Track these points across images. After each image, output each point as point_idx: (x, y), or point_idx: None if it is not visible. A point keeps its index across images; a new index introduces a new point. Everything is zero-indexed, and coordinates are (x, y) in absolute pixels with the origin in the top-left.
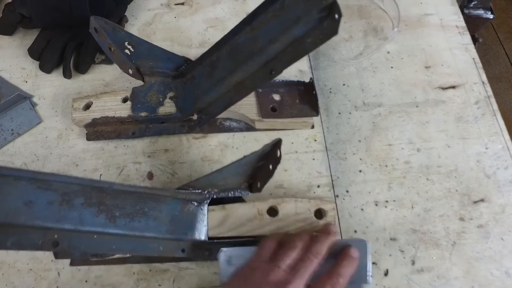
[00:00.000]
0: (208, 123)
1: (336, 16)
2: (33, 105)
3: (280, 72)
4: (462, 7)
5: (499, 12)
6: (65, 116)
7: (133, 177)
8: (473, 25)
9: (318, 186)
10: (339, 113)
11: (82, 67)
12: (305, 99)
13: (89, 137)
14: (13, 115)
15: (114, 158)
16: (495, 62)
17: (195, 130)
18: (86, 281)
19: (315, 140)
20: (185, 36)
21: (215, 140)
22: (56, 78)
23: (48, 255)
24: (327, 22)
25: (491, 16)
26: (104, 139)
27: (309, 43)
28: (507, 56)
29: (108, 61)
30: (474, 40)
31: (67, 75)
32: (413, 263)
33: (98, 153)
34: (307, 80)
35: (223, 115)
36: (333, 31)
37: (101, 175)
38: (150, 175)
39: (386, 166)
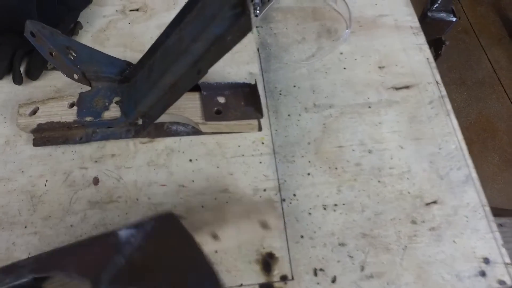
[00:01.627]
0: (155, 127)
1: (247, 12)
2: None
3: (206, 72)
4: (425, 11)
5: (480, 18)
6: (13, 123)
7: (78, 183)
8: (438, 28)
9: (264, 190)
10: (289, 115)
11: (33, 73)
12: (250, 101)
13: (36, 143)
14: None
15: (60, 164)
16: (478, 67)
17: (141, 134)
18: None
19: (263, 143)
20: (139, 42)
21: (161, 144)
22: (6, 85)
23: None
24: (243, 18)
25: (454, 19)
26: (51, 144)
27: (229, 41)
28: (489, 61)
29: None
30: (441, 43)
31: (17, 81)
32: (362, 269)
33: (45, 159)
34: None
35: (169, 118)
36: (248, 27)
37: (47, 181)
38: (96, 181)
39: (336, 168)
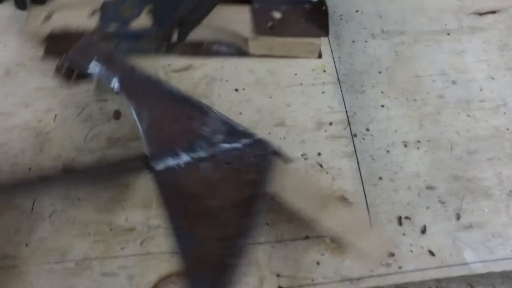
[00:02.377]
0: (191, 45)
1: None
2: None
3: None
4: None
5: None
6: (16, 51)
7: (96, 117)
8: None
9: (331, 124)
10: (353, 42)
11: None
12: (313, 18)
13: (47, 50)
14: None
15: (73, 96)
16: None
17: (175, 50)
18: (26, 244)
19: (325, 71)
20: None
21: (199, 72)
22: (7, 9)
23: None
24: None
25: None
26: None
27: None
28: None
29: None
30: None
31: (19, 5)
32: (458, 217)
33: (54, 91)
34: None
35: (211, 35)
36: None
37: (56, 115)
38: (117, 114)
39: (415, 100)
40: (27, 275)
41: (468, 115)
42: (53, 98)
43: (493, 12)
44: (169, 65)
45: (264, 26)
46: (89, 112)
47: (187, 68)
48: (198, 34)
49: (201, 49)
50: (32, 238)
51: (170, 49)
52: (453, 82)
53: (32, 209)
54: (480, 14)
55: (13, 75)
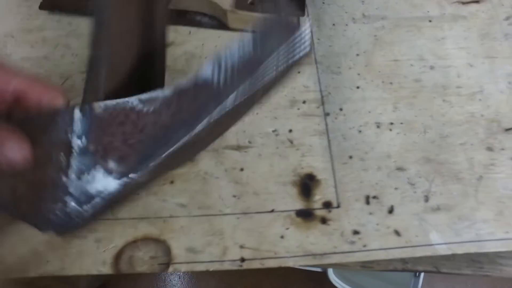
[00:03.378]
0: (177, 13)
1: None
2: None
3: None
4: None
5: None
6: (5, 22)
7: (78, 88)
8: None
9: (304, 102)
10: (333, 25)
11: None
12: None
13: (43, 5)
14: None
15: (58, 67)
16: None
17: None
18: None
19: None
20: None
21: (180, 49)
22: None
23: None
24: None
25: None
26: (59, 11)
27: None
28: None
29: None
30: None
31: None
32: (426, 199)
33: (41, 61)
34: None
35: (195, 6)
36: None
37: None
38: None
39: (391, 83)
40: None
41: (443, 100)
42: (39, 68)
43: (477, 1)
44: None
45: (244, 1)
46: (72, 82)
47: (168, 45)
48: (181, 3)
49: (185, 18)
50: None
51: None
52: (431, 68)
53: None
54: (463, 3)
55: (1, 45)
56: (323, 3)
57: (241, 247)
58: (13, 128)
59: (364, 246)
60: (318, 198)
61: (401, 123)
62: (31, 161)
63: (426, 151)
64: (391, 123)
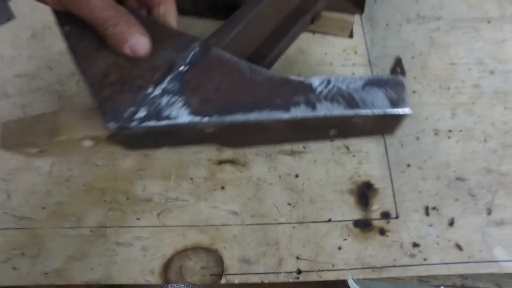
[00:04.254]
0: (227, 7)
1: None
2: None
3: None
4: None
5: None
6: (44, 14)
7: None
8: None
9: None
10: (387, 25)
11: None
12: None
13: None
14: None
15: None
16: None
17: (206, 13)
18: (43, 207)
19: (356, 52)
20: None
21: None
22: None
23: None
24: None
25: None
26: None
27: None
28: None
29: None
30: None
31: None
32: (489, 212)
33: None
34: None
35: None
36: None
37: (78, 80)
38: None
39: (448, 88)
40: (42, 238)
41: (505, 107)
42: None
43: None
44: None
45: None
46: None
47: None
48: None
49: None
50: (49, 202)
51: (203, 8)
52: (491, 72)
53: (50, 173)
54: None
55: (39, 37)
56: (375, 1)
57: (297, 258)
58: (141, 25)
59: (425, 259)
60: (376, 208)
61: (460, 131)
62: (147, 56)
63: (487, 161)
64: (450, 131)
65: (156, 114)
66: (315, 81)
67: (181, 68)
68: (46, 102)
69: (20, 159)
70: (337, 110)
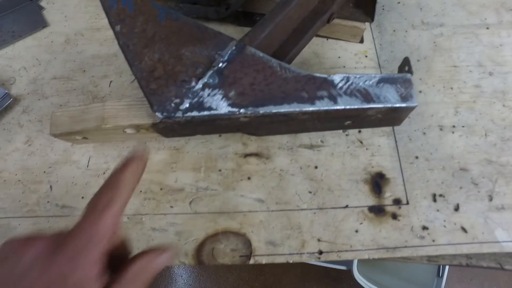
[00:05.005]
0: (244, 15)
1: None
2: (40, 8)
3: None
4: None
5: None
6: (75, 21)
7: None
8: None
9: None
10: (394, 31)
11: None
12: (361, 4)
13: None
14: (15, 17)
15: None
16: None
17: (228, 18)
18: (82, 197)
19: (366, 56)
20: None
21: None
22: None
23: (41, 165)
24: None
25: None
26: None
27: None
28: None
29: None
30: None
31: None
32: (490, 198)
33: (110, 59)
34: None
35: (262, 8)
36: None
37: (111, 82)
38: None
39: (452, 88)
40: None
41: (503, 105)
42: (108, 65)
43: None
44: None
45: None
46: None
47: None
48: (250, 4)
49: (252, 20)
50: (88, 192)
51: (221, 15)
52: (490, 74)
53: (87, 166)
54: None
55: (72, 43)
56: (383, 9)
57: (319, 240)
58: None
59: (433, 241)
60: (388, 195)
61: (463, 126)
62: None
63: (487, 153)
64: (453, 126)
65: (198, 105)
66: (336, 78)
67: (220, 64)
68: (81, 101)
69: (60, 153)
70: (355, 104)
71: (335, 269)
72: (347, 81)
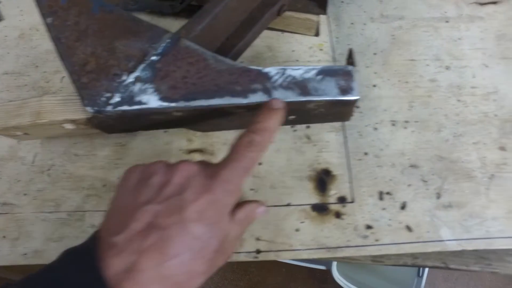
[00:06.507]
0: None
1: None
2: None
3: None
4: None
5: None
6: (31, 16)
7: None
8: None
9: None
10: (352, 24)
11: None
12: None
13: None
14: None
15: None
16: None
17: (183, 13)
18: (25, 194)
19: (321, 50)
20: None
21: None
22: None
23: None
24: None
25: None
26: None
27: None
28: None
29: None
30: None
31: None
32: (438, 196)
33: None
34: None
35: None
36: None
37: (63, 77)
38: None
39: (407, 82)
40: (23, 222)
41: (458, 100)
42: None
43: (494, 2)
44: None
45: None
46: None
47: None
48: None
49: None
50: (31, 189)
51: (175, 9)
52: (447, 68)
53: (33, 162)
54: (481, 4)
55: (27, 38)
56: (342, 2)
57: (257, 239)
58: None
59: (377, 240)
60: (333, 193)
61: (416, 122)
62: None
63: (439, 149)
64: (406, 121)
65: (129, 99)
66: (272, 70)
67: (153, 57)
68: (31, 97)
69: (5, 150)
70: (291, 97)
71: (320, 269)
72: (283, 73)
